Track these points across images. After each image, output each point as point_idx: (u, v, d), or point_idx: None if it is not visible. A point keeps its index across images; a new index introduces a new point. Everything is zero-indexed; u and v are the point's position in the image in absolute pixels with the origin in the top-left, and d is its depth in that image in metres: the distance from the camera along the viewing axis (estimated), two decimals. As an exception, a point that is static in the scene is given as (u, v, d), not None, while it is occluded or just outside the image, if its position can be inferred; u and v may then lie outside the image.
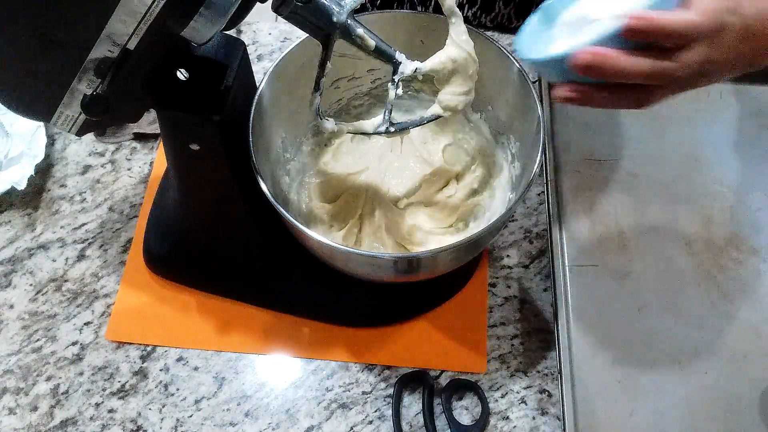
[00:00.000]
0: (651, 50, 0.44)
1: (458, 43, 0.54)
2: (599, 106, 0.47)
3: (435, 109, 0.57)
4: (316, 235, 0.53)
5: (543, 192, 0.75)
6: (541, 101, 0.59)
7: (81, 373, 0.66)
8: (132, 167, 0.78)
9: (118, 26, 0.42)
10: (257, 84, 0.58)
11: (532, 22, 0.52)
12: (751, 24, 0.45)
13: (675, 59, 0.44)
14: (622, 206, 0.73)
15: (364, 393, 0.65)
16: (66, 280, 0.71)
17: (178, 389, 0.65)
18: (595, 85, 0.46)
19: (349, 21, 0.49)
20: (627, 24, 0.43)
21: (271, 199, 0.53)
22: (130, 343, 0.67)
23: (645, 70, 0.44)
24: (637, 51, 0.44)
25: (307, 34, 0.51)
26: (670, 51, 0.44)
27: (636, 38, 0.43)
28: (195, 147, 0.53)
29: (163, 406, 0.64)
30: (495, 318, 0.68)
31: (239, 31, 0.87)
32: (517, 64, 0.59)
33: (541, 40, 0.51)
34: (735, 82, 0.80)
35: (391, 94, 0.54)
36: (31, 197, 0.76)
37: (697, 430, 0.62)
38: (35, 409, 0.64)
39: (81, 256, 0.72)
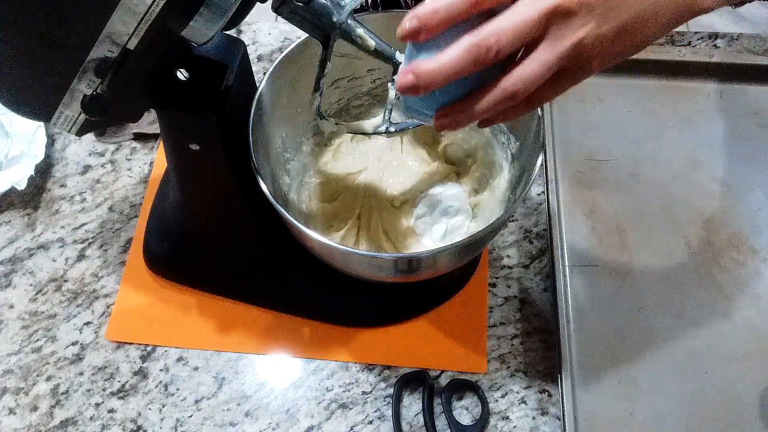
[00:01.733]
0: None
1: None
2: (489, 120, 0.42)
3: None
4: (316, 235, 0.53)
5: (543, 192, 0.75)
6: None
7: (81, 373, 0.66)
8: (132, 167, 0.78)
9: (118, 26, 0.42)
10: (257, 84, 0.58)
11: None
12: None
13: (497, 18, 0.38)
14: (622, 206, 0.73)
15: (364, 393, 0.65)
16: (66, 280, 0.71)
17: (178, 389, 0.65)
18: (455, 102, 0.42)
19: (349, 21, 0.49)
20: (403, 31, 0.39)
21: (271, 199, 0.53)
22: (130, 343, 0.67)
23: (466, 45, 0.38)
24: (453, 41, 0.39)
25: (307, 34, 0.51)
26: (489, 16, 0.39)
27: (419, 38, 0.39)
28: (195, 147, 0.53)
29: (163, 406, 0.64)
30: (495, 318, 0.68)
31: (239, 31, 0.87)
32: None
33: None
34: (735, 82, 0.81)
35: (391, 94, 0.54)
36: (31, 197, 0.76)
37: (697, 430, 0.62)
38: (35, 409, 0.64)
39: (81, 256, 0.72)
